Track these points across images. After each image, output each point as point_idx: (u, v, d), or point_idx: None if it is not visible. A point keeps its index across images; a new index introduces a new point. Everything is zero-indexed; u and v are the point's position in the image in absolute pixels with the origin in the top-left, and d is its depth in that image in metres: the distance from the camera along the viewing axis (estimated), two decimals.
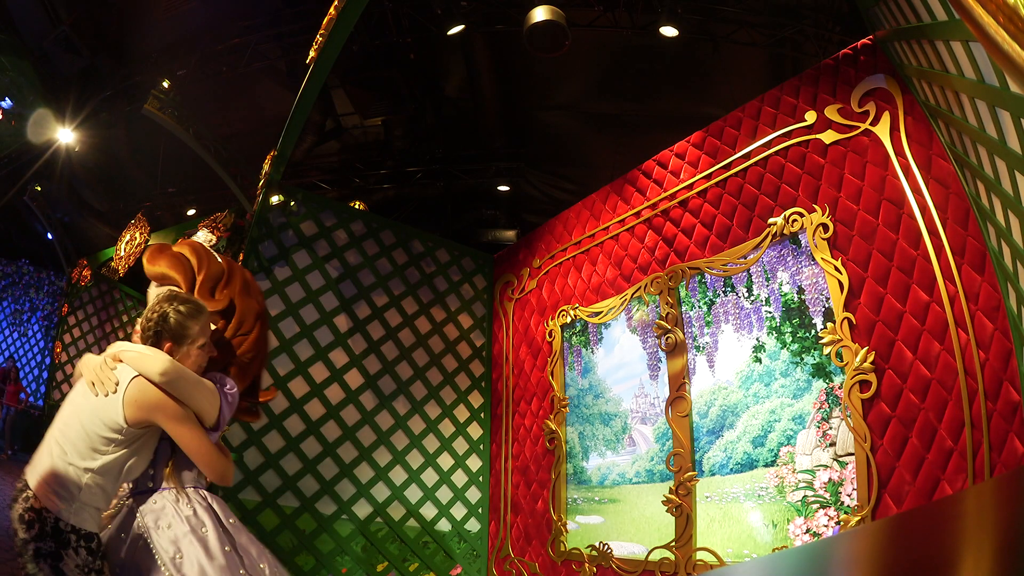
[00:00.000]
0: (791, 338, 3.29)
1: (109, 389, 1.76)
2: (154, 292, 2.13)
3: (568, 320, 4.62)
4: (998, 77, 1.77)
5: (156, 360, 1.81)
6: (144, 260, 2.19)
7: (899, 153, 2.95)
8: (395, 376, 4.76)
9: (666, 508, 3.66)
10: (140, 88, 7.83)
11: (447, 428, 4.90)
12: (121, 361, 1.84)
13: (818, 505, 2.98)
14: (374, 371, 4.67)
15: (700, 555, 3.44)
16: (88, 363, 1.86)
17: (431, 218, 9.58)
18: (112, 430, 1.75)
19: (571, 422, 4.50)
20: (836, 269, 3.08)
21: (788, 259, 3.36)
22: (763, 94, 3.70)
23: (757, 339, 3.46)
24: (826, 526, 2.94)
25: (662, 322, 3.94)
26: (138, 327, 1.98)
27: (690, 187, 3.96)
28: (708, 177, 3.86)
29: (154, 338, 1.89)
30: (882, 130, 3.03)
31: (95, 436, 1.74)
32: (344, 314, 4.65)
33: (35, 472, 1.72)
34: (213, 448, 1.84)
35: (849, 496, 2.87)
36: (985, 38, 1.37)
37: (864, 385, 2.87)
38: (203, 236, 2.24)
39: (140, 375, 1.79)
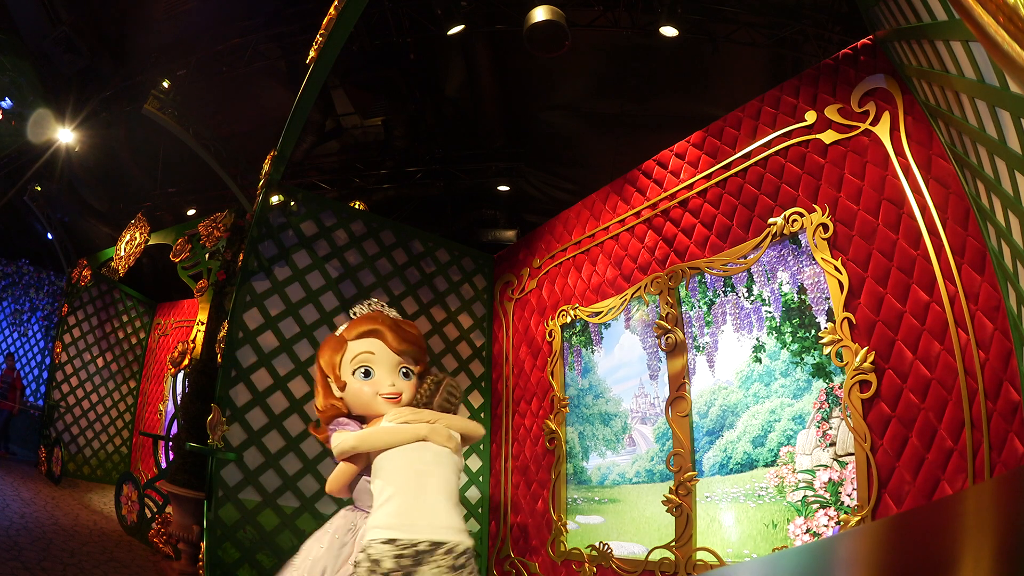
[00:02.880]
0: (791, 338, 3.29)
1: (455, 446, 2.38)
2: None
3: (568, 320, 4.62)
4: (998, 77, 1.77)
5: (473, 424, 2.58)
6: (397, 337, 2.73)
7: (899, 153, 2.96)
8: None
9: (666, 508, 3.66)
10: (140, 88, 7.83)
11: None
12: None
13: (818, 505, 2.98)
14: None
15: (700, 555, 3.44)
16: (436, 430, 2.38)
17: (431, 218, 9.58)
18: (460, 473, 2.39)
19: (571, 422, 4.50)
20: (836, 269, 3.08)
21: (788, 259, 3.36)
22: (763, 94, 3.70)
23: (757, 339, 3.46)
24: (826, 526, 2.94)
25: (662, 322, 3.94)
26: (418, 396, 2.57)
27: (690, 187, 3.96)
28: (708, 177, 3.87)
29: (454, 408, 2.54)
30: (882, 130, 3.03)
31: (456, 480, 2.33)
32: (344, 314, 4.65)
33: (447, 527, 2.15)
34: None
35: (849, 496, 2.87)
36: (985, 38, 1.37)
37: (864, 385, 2.87)
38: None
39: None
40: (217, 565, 3.76)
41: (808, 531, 2.99)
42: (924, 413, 2.67)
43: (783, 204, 3.42)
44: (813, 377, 3.15)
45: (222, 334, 4.26)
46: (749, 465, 3.33)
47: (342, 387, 2.60)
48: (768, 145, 3.56)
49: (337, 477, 2.53)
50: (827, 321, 3.11)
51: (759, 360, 3.43)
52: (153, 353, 9.12)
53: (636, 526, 3.89)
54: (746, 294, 3.56)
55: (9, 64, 7.56)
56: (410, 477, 2.23)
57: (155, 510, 5.40)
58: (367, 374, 2.57)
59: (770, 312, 3.42)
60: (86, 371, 8.58)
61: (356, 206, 6.39)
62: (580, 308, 4.55)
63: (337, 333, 2.73)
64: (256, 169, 4.76)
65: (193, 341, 5.66)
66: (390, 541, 2.02)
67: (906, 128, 2.95)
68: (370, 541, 2.06)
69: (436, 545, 2.05)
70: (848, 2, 5.59)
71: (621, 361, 4.28)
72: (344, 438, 2.42)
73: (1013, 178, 1.90)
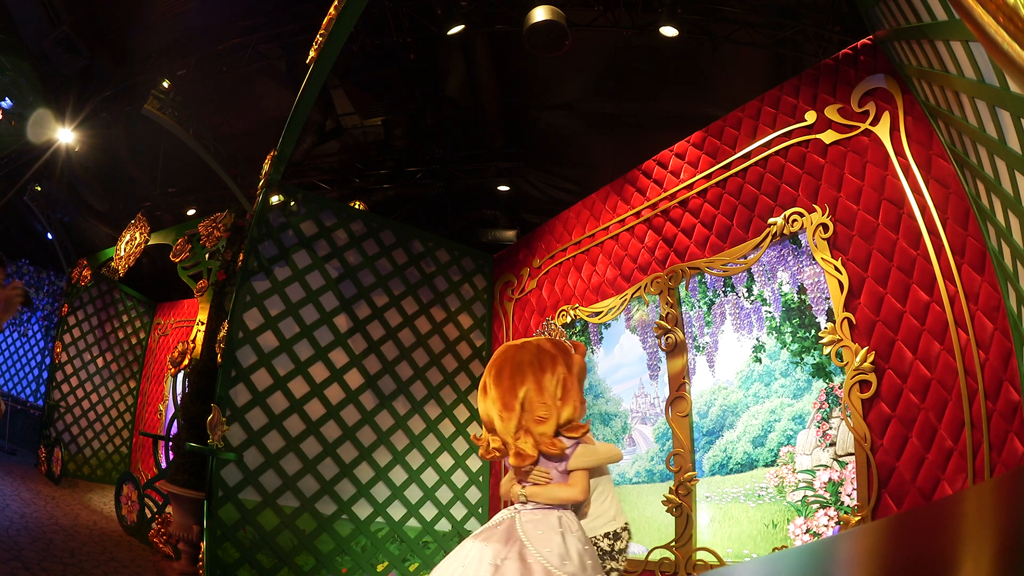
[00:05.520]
0: (791, 338, 3.29)
1: None
2: None
3: (568, 320, 4.62)
4: (998, 77, 1.77)
5: None
6: None
7: (899, 153, 2.95)
8: (395, 376, 4.76)
9: (666, 508, 3.66)
10: (140, 88, 7.82)
11: (447, 428, 4.90)
12: None
13: (818, 505, 2.98)
14: (374, 371, 4.67)
15: (700, 555, 3.44)
16: None
17: (431, 218, 9.57)
18: None
19: None
20: (836, 269, 3.08)
21: (788, 259, 3.36)
22: (763, 94, 3.70)
23: (757, 339, 3.46)
24: (826, 526, 2.94)
25: (662, 322, 3.94)
26: None
27: (690, 187, 3.96)
28: (708, 177, 3.86)
29: None
30: (882, 130, 3.03)
31: None
32: (344, 314, 4.65)
33: None
34: None
35: (849, 496, 2.87)
36: (985, 38, 1.37)
37: (864, 385, 2.87)
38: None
39: None
40: (217, 565, 3.76)
41: (808, 531, 2.99)
42: (924, 413, 2.67)
43: (783, 204, 3.42)
44: (813, 377, 3.14)
45: (222, 334, 4.26)
46: (749, 465, 3.33)
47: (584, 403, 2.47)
48: (768, 145, 3.56)
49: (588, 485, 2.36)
50: (827, 321, 3.11)
51: (759, 360, 3.43)
52: (153, 353, 9.12)
53: (636, 526, 3.88)
54: (746, 294, 3.56)
55: (9, 64, 7.55)
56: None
57: (155, 510, 5.39)
58: None
59: (770, 312, 3.42)
60: (86, 371, 8.58)
61: (356, 206, 6.39)
62: (580, 308, 4.55)
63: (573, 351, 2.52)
64: (256, 169, 4.76)
65: (193, 341, 5.66)
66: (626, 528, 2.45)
67: (906, 128, 2.95)
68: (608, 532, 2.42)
69: None
70: (848, 2, 5.59)
71: (621, 361, 4.28)
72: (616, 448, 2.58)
73: (1013, 178, 1.90)
